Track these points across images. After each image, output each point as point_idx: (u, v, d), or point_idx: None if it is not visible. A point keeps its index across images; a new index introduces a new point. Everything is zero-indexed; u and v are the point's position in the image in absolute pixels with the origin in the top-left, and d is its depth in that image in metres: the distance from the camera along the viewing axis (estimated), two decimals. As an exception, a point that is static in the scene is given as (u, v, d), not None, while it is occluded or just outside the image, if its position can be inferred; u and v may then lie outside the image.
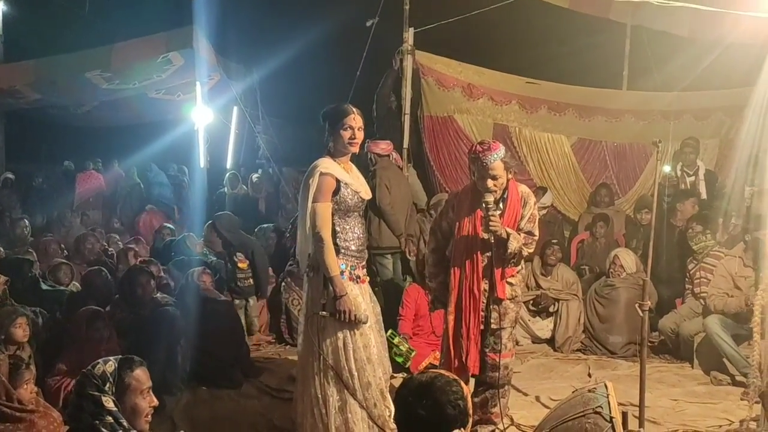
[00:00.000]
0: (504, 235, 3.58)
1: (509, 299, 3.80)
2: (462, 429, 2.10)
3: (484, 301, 3.78)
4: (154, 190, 11.20)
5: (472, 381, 4.05)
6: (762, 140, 4.30)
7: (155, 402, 2.61)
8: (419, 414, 2.09)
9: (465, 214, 3.79)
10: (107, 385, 2.48)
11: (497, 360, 3.81)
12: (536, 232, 3.87)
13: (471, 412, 2.15)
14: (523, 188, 3.89)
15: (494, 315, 3.78)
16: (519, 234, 3.76)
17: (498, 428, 4.00)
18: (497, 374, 3.82)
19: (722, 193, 6.66)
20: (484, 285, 3.78)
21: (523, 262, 3.97)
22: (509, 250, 3.62)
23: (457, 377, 2.23)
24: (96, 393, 2.46)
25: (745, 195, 6.02)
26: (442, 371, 2.26)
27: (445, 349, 3.94)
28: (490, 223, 3.57)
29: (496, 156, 3.63)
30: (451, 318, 3.84)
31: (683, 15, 7.04)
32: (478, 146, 3.72)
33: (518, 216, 3.75)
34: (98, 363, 2.54)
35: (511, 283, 3.82)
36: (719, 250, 5.74)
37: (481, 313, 3.76)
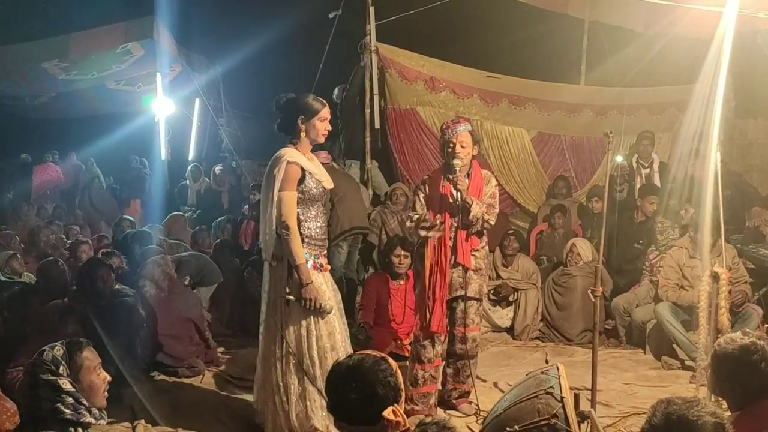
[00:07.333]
0: (468, 199, 4.00)
1: (473, 270, 4.15)
2: (396, 404, 2.11)
3: (452, 269, 4.13)
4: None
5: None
6: (702, 134, 4.47)
7: (108, 377, 2.64)
8: (351, 398, 2.09)
9: (437, 188, 4.14)
10: (61, 368, 2.48)
11: (465, 333, 4.21)
12: (497, 207, 4.25)
13: (402, 386, 2.17)
14: (486, 171, 4.33)
15: (459, 281, 4.13)
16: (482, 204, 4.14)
17: (473, 402, 4.35)
18: (466, 346, 4.22)
19: (675, 184, 6.86)
20: (451, 253, 4.12)
21: (486, 242, 4.30)
22: (472, 214, 4.01)
23: (384, 355, 2.23)
24: (51, 377, 2.46)
25: (681, 213, 6.26)
26: (368, 351, 2.27)
27: (420, 316, 4.20)
28: (458, 183, 3.99)
29: (463, 128, 4.10)
30: (426, 283, 4.11)
31: (638, 9, 7.22)
32: (448, 122, 4.22)
33: (481, 193, 4.16)
34: (45, 350, 2.54)
35: (475, 255, 4.17)
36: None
37: (448, 279, 4.10)
